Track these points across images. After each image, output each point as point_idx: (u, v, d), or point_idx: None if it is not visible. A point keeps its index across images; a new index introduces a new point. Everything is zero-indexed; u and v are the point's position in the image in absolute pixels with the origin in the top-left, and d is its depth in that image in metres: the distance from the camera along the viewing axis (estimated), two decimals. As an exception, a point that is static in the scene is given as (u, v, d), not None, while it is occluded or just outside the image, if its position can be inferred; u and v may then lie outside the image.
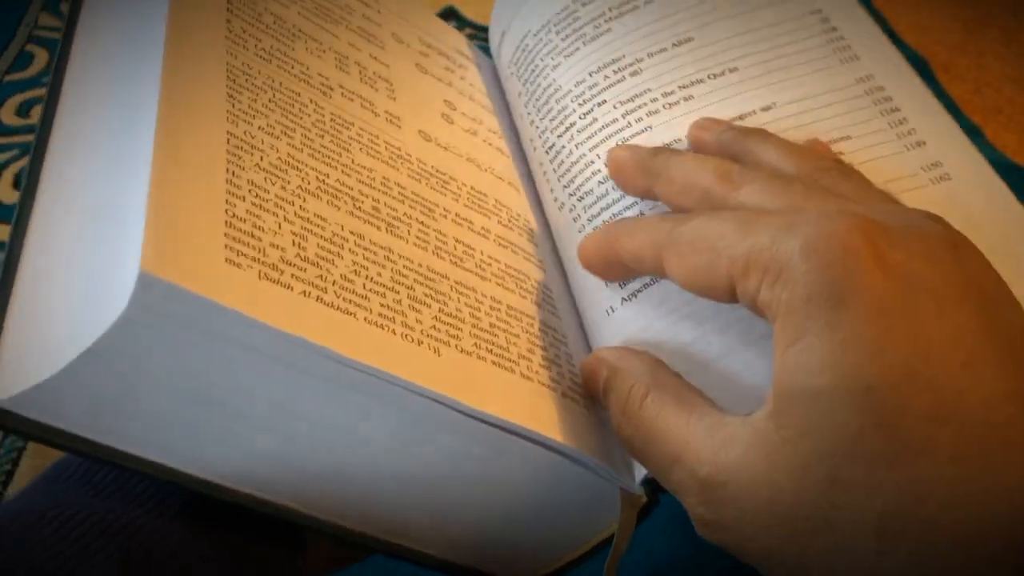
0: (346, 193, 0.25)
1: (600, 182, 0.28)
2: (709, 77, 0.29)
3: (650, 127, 0.29)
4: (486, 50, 0.40)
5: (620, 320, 0.26)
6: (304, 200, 0.23)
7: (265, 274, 0.20)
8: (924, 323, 0.18)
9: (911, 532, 0.17)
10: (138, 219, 0.19)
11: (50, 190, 0.22)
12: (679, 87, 0.29)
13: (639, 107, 0.29)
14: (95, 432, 0.20)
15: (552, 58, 0.33)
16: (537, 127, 0.33)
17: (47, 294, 0.20)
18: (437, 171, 0.29)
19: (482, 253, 0.27)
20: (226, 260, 0.20)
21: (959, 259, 0.19)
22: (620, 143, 0.29)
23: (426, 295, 0.24)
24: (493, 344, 0.24)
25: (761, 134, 0.26)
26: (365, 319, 0.21)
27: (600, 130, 0.30)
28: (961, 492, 0.17)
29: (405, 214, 0.26)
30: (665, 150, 0.26)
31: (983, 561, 0.16)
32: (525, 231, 0.30)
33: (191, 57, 0.24)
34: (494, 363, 0.24)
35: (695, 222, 0.22)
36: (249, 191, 0.22)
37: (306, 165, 0.24)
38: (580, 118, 0.30)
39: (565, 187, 0.30)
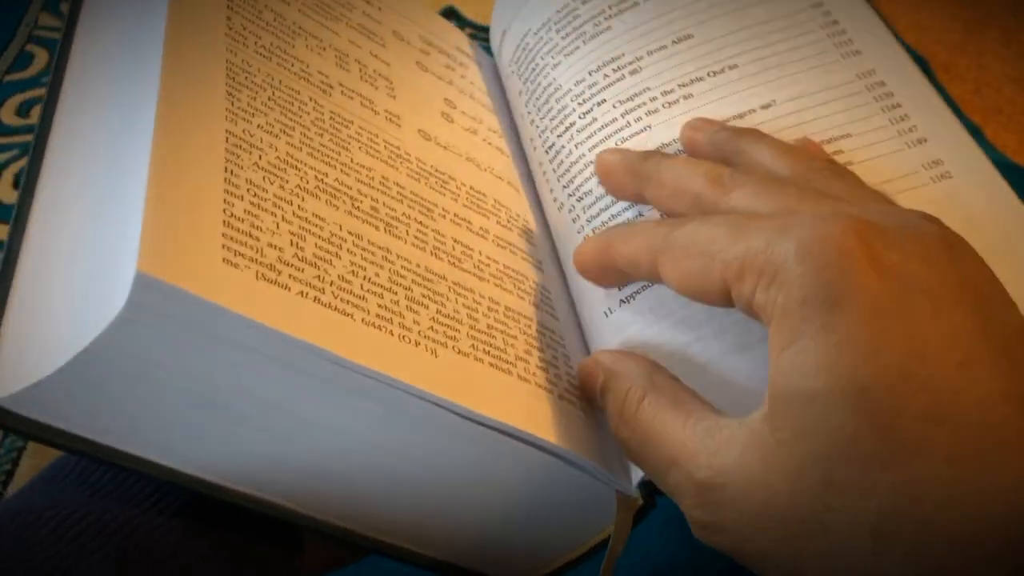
0: (345, 193, 0.25)
1: (600, 183, 0.28)
2: (709, 75, 0.29)
3: (649, 127, 0.29)
4: (487, 49, 0.40)
5: (618, 322, 0.26)
6: (303, 199, 0.23)
7: (262, 274, 0.20)
8: (919, 324, 0.18)
9: (907, 533, 0.17)
10: (136, 219, 0.19)
11: (49, 189, 0.22)
12: (679, 85, 0.29)
13: (638, 106, 0.29)
14: (93, 431, 0.20)
15: (552, 57, 0.33)
16: (537, 126, 0.33)
17: (46, 293, 0.20)
18: (436, 170, 0.29)
19: (480, 254, 0.27)
20: (223, 260, 0.20)
21: (955, 259, 0.19)
22: (619, 143, 0.29)
23: (424, 296, 0.24)
24: (491, 345, 0.24)
25: (754, 134, 0.26)
26: (363, 320, 0.21)
27: (599, 130, 0.29)
28: (957, 492, 0.17)
29: (404, 214, 0.26)
30: (655, 154, 0.26)
31: (979, 561, 0.16)
32: (524, 231, 0.30)
33: (191, 54, 0.24)
34: (491, 364, 0.24)
35: (689, 227, 0.22)
36: (247, 190, 0.22)
37: (305, 164, 0.24)
38: (580, 118, 0.30)
39: (564, 187, 0.30)
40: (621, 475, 0.24)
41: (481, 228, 0.28)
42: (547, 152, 0.31)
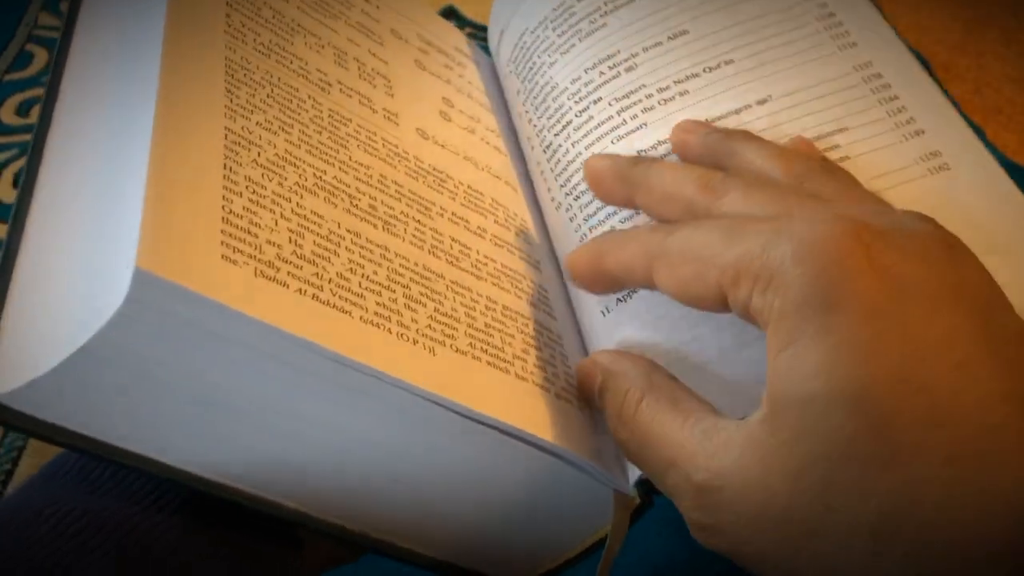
0: (343, 190, 0.25)
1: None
2: (704, 71, 0.29)
3: (645, 124, 0.29)
4: (485, 49, 0.40)
5: (615, 321, 0.26)
6: (301, 197, 0.23)
7: (261, 271, 0.20)
8: (917, 325, 0.18)
9: (907, 533, 0.17)
10: (135, 215, 0.19)
11: (48, 186, 0.22)
12: (674, 82, 0.29)
13: (634, 103, 0.29)
14: (93, 428, 0.20)
15: (549, 55, 0.33)
16: (535, 125, 0.33)
17: (44, 290, 0.20)
18: (434, 169, 0.29)
19: (478, 252, 0.27)
20: (222, 257, 0.20)
21: (952, 259, 0.19)
22: (616, 140, 0.29)
23: (422, 294, 0.24)
24: (488, 344, 0.24)
25: (745, 136, 0.26)
26: (361, 317, 0.21)
27: (596, 128, 0.29)
28: (957, 493, 0.17)
29: (402, 212, 0.26)
30: (644, 159, 0.26)
31: (979, 562, 0.16)
32: (522, 231, 0.30)
33: (189, 51, 0.24)
34: (489, 363, 0.24)
35: (682, 232, 0.22)
36: (246, 187, 0.22)
37: (303, 161, 0.24)
38: (576, 116, 0.30)
39: (562, 186, 0.30)
40: (618, 474, 0.24)
41: (479, 227, 0.28)
42: (545, 151, 0.31)
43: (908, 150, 0.26)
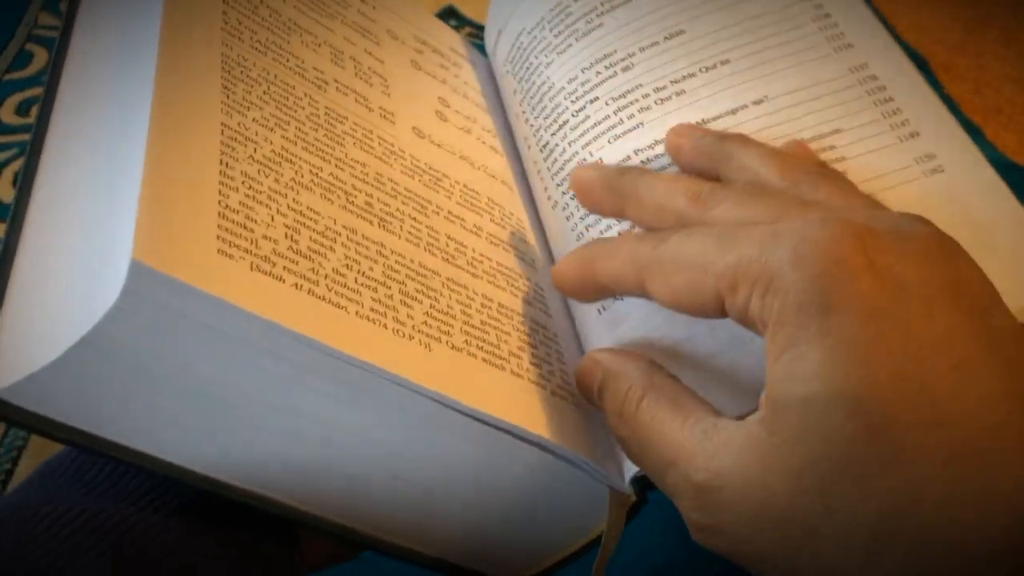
0: (339, 187, 0.25)
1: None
2: (701, 71, 0.29)
3: (642, 123, 0.29)
4: (481, 48, 0.40)
5: (611, 318, 0.26)
6: (297, 193, 0.23)
7: (257, 266, 0.20)
8: (915, 326, 0.18)
9: (907, 533, 0.17)
10: (132, 210, 0.19)
11: (47, 183, 0.22)
12: (671, 82, 0.29)
13: (631, 103, 0.29)
14: (91, 424, 0.20)
15: (546, 55, 0.33)
16: (532, 125, 0.33)
17: (43, 285, 0.20)
18: (430, 168, 0.29)
19: (474, 250, 0.27)
20: (218, 251, 0.20)
21: (948, 261, 0.19)
22: (612, 140, 0.29)
23: (418, 291, 0.24)
24: (484, 341, 0.24)
25: (740, 139, 0.26)
26: (356, 313, 0.21)
27: (592, 127, 0.29)
28: (956, 493, 0.17)
29: (398, 210, 0.26)
30: (633, 169, 0.26)
31: (979, 562, 0.16)
32: (518, 229, 0.30)
33: (186, 48, 0.24)
34: (484, 360, 0.24)
35: (675, 240, 0.21)
36: (242, 183, 0.22)
37: (300, 158, 0.24)
38: (573, 115, 0.30)
39: (559, 186, 0.30)
40: (614, 471, 0.24)
41: (475, 225, 0.28)
42: (541, 151, 0.31)
43: (903, 152, 0.26)
